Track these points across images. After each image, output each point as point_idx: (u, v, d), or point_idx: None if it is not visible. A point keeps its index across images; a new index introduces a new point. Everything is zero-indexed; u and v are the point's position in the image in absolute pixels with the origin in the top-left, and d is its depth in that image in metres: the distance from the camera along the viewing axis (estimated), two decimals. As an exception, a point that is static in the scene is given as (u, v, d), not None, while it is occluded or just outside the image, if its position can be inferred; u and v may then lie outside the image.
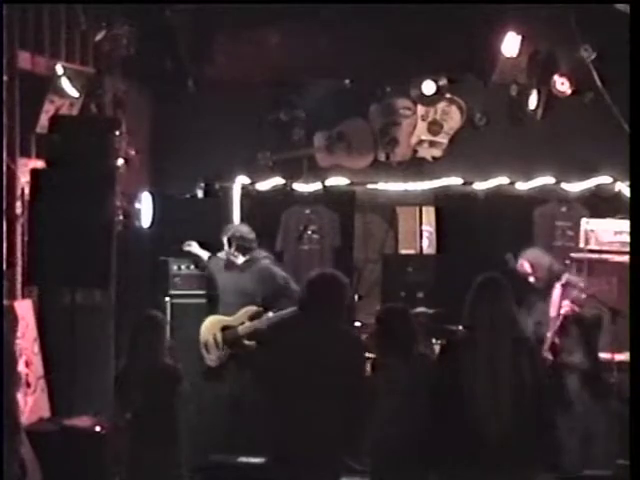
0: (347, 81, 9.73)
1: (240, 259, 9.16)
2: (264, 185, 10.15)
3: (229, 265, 9.20)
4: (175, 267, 9.38)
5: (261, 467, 6.61)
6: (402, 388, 6.41)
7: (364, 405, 6.32)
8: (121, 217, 8.72)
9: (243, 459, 7.84)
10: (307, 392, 6.08)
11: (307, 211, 10.40)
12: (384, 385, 6.54)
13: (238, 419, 8.68)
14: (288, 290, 8.96)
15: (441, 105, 9.73)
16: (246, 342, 8.90)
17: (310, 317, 6.30)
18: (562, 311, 8.22)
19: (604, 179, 9.59)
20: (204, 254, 9.35)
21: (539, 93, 9.31)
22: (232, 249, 9.15)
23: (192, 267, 9.42)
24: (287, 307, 8.35)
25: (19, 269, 7.94)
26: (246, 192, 10.26)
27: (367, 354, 6.97)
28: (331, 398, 6.08)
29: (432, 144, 9.83)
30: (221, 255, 9.25)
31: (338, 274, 6.52)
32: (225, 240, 9.20)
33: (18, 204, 8.00)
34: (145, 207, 9.35)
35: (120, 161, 8.51)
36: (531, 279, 8.54)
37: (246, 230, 9.30)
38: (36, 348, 8.10)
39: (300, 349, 6.18)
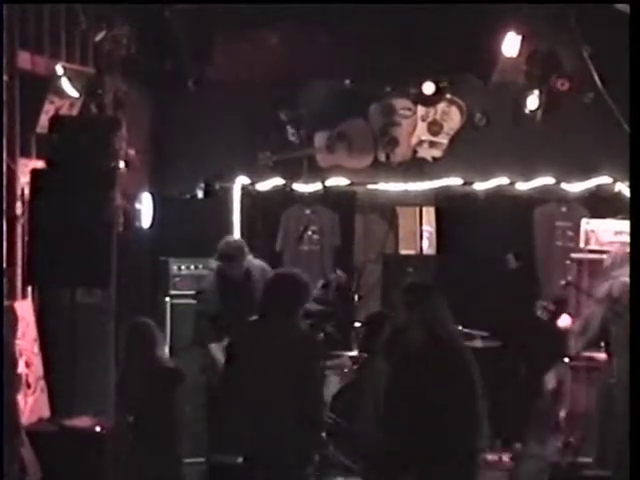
0: (347, 81, 9.72)
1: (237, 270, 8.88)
2: (264, 185, 10.15)
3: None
4: (175, 267, 9.38)
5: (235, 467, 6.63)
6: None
7: (319, 406, 6.44)
8: (121, 217, 8.71)
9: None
10: (266, 396, 6.15)
11: (307, 211, 10.41)
12: (370, 385, 6.61)
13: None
14: None
15: (441, 105, 9.73)
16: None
17: (266, 320, 6.34)
18: None
19: (604, 179, 9.59)
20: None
21: (539, 93, 9.31)
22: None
23: (192, 267, 9.41)
24: None
25: (19, 269, 7.94)
26: (246, 192, 10.25)
27: (322, 353, 7.02)
28: (289, 400, 6.14)
29: (432, 144, 9.83)
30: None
31: (294, 274, 6.54)
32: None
33: (18, 204, 7.99)
34: (145, 207, 9.35)
35: (120, 161, 8.50)
36: None
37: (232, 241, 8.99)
38: (36, 348, 8.09)
39: (259, 353, 6.26)
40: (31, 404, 7.85)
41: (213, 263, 8.86)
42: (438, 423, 5.84)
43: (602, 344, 7.94)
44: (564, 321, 8.50)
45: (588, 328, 7.88)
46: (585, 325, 7.92)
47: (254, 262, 8.80)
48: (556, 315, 8.48)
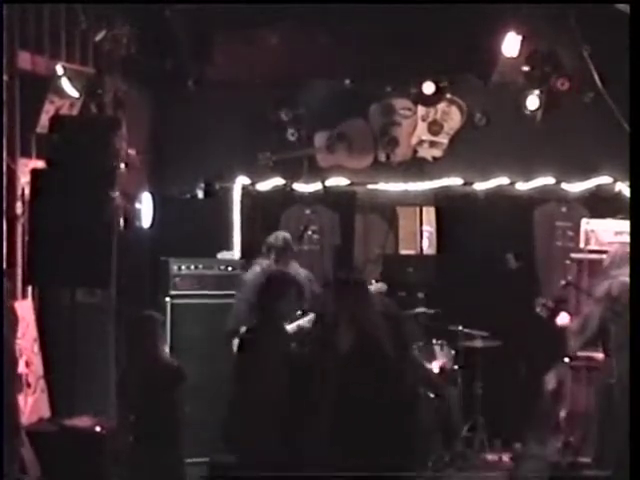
0: (347, 81, 9.73)
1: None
2: (264, 185, 10.15)
3: None
4: (175, 267, 9.37)
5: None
6: None
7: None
8: (121, 217, 8.71)
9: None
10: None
11: (307, 211, 10.40)
12: None
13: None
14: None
15: (441, 105, 9.74)
16: None
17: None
18: None
19: (604, 179, 9.60)
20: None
21: (539, 93, 9.32)
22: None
23: (192, 267, 9.41)
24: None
25: (19, 269, 7.93)
26: (246, 192, 10.26)
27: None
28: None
29: (432, 144, 9.84)
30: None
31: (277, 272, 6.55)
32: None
33: (18, 204, 7.99)
34: (145, 207, 9.34)
35: (120, 161, 8.50)
36: None
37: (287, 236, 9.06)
38: (36, 348, 8.09)
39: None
40: (31, 404, 7.84)
41: (261, 262, 8.89)
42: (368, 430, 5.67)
43: (600, 344, 7.94)
44: (563, 319, 8.49)
45: (586, 327, 7.87)
46: (583, 324, 7.91)
47: (300, 270, 8.91)
48: (555, 313, 8.48)
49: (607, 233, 9.02)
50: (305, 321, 8.97)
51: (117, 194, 8.03)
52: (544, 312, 8.53)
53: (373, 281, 9.68)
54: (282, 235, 8.96)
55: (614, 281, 7.74)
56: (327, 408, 5.76)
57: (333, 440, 5.77)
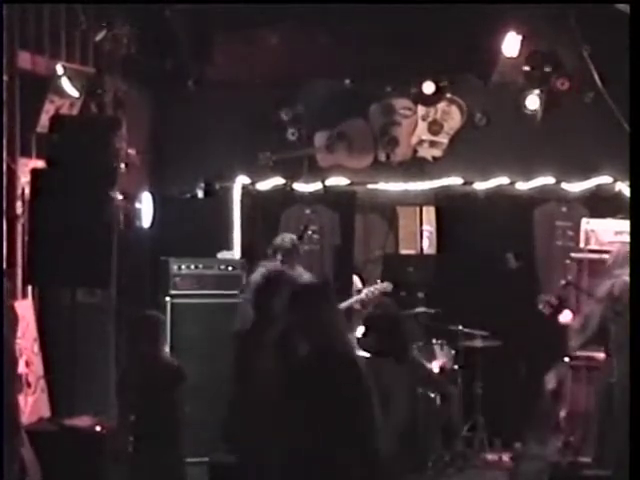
0: (347, 81, 9.73)
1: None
2: (264, 185, 10.15)
3: None
4: (175, 267, 9.37)
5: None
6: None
7: None
8: (121, 217, 8.71)
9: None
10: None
11: (307, 211, 10.40)
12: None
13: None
14: None
15: (441, 105, 9.74)
16: None
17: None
18: None
19: (604, 179, 9.60)
20: None
21: (539, 93, 9.32)
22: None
23: (192, 267, 9.42)
24: None
25: (19, 269, 7.94)
26: (246, 192, 10.26)
27: None
28: None
29: (432, 144, 9.84)
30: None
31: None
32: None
33: (18, 204, 7.99)
34: (145, 207, 9.34)
35: (120, 161, 8.50)
36: None
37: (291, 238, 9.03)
38: (36, 348, 8.09)
39: None
40: (31, 404, 7.85)
41: (266, 264, 8.90)
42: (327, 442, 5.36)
43: (601, 343, 7.94)
44: (566, 317, 8.49)
45: (587, 326, 7.87)
46: (584, 323, 7.91)
47: (304, 274, 8.93)
48: (558, 310, 8.47)
49: (607, 233, 9.02)
50: None
51: (117, 194, 8.03)
52: (547, 309, 8.52)
53: (378, 281, 9.72)
54: (289, 237, 8.95)
55: (617, 281, 7.73)
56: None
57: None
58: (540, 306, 8.53)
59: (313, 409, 5.36)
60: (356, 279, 10.08)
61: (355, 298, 9.50)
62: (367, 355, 8.75)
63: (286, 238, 8.90)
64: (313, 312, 5.52)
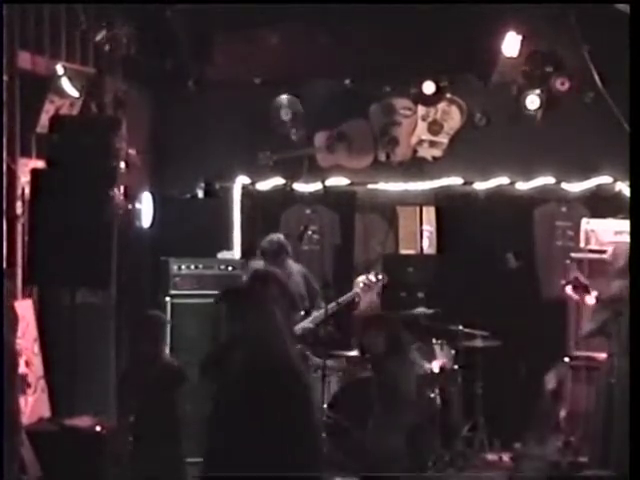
0: (347, 81, 9.73)
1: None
2: (264, 185, 10.15)
3: None
4: (175, 267, 9.36)
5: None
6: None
7: None
8: (121, 217, 8.71)
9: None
10: None
11: (307, 211, 10.40)
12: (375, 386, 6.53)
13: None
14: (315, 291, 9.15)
15: (441, 105, 9.74)
16: None
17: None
18: None
19: (604, 179, 9.60)
20: None
21: (539, 93, 9.32)
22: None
23: (192, 267, 9.41)
24: None
25: (19, 269, 7.94)
26: (246, 192, 10.26)
27: None
28: None
29: (432, 144, 9.84)
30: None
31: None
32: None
33: (18, 204, 7.99)
34: (145, 207, 9.34)
35: (120, 161, 8.50)
36: None
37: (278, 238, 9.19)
38: (36, 348, 8.09)
39: None
40: (31, 404, 7.84)
41: (254, 263, 8.94)
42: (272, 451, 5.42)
43: (602, 342, 7.95)
44: (591, 299, 8.36)
45: (591, 320, 7.89)
46: (589, 317, 7.92)
47: (294, 265, 8.93)
48: (587, 291, 8.32)
49: (607, 233, 9.02)
50: (308, 322, 9.00)
51: (117, 194, 8.04)
52: (574, 291, 8.37)
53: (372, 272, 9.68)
54: (276, 238, 9.02)
55: (625, 282, 7.70)
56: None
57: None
58: (567, 289, 8.37)
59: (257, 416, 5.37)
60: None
61: (352, 292, 9.46)
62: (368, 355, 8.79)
63: (273, 240, 9.07)
64: (237, 316, 5.43)
